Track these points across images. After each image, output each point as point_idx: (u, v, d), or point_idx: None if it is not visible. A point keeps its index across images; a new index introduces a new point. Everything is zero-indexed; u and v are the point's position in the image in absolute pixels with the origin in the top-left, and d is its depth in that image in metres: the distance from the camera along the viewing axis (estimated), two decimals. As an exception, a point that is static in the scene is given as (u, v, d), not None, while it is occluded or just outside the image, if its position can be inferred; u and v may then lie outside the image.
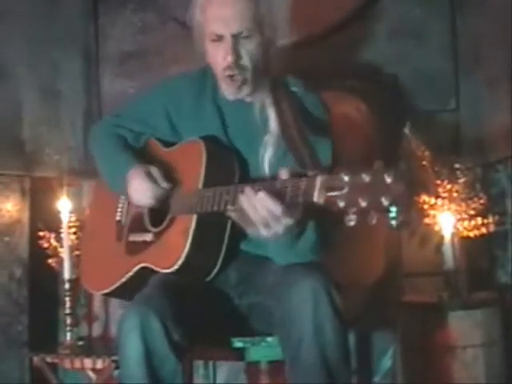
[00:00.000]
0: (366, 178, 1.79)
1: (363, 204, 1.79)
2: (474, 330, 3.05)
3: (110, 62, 3.79)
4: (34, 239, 3.44)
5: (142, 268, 2.40)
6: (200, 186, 2.32)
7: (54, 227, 3.39)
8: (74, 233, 3.36)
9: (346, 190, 1.82)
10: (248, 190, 2.06)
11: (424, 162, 3.21)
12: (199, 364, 3.24)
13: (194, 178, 2.35)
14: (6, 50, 3.47)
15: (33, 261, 3.48)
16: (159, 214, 2.44)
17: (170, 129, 2.55)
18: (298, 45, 3.41)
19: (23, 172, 3.48)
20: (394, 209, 1.77)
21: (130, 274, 2.44)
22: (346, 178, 1.82)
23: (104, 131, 2.67)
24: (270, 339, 2.36)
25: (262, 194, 2.01)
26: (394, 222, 1.78)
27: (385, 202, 1.76)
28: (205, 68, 2.49)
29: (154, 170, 2.45)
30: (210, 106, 2.47)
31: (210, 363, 3.35)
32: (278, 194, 2.00)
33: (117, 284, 2.49)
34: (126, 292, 2.50)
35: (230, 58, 2.29)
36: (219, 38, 2.31)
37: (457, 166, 3.21)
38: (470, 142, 3.45)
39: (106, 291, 2.57)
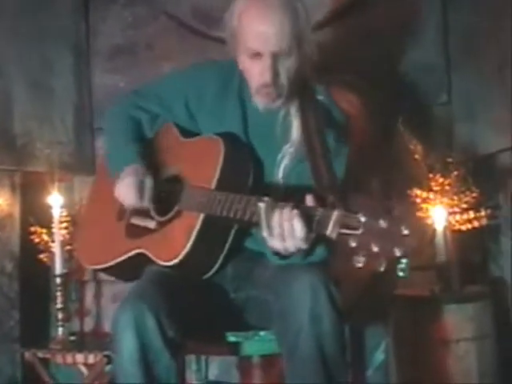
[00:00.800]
0: (383, 224, 1.80)
1: (375, 249, 1.79)
2: (466, 323, 3.06)
3: (100, 56, 3.79)
4: (25, 234, 3.44)
5: (139, 254, 2.39)
6: (213, 185, 2.29)
7: (46, 222, 3.39)
8: (66, 228, 3.36)
9: (360, 232, 1.82)
10: (285, 204, 2.03)
11: (416, 156, 3.22)
12: (191, 359, 3.23)
13: (208, 175, 2.32)
14: (-4, 46, 3.46)
15: (24, 256, 3.48)
16: (166, 203, 2.41)
17: (187, 116, 2.50)
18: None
19: (14, 167, 3.47)
20: (404, 260, 1.79)
21: (127, 256, 2.42)
22: (363, 219, 1.82)
23: (120, 110, 2.59)
24: (262, 333, 2.36)
25: (295, 211, 1.99)
26: (402, 273, 1.81)
27: (397, 252, 1.78)
28: (234, 63, 2.41)
29: (148, 183, 2.40)
30: (233, 103, 2.43)
31: (203, 358, 3.35)
32: (307, 218, 1.98)
33: (111, 263, 2.47)
34: (117, 272, 2.52)
35: (267, 78, 2.25)
36: (257, 55, 2.26)
37: (449, 159, 3.21)
38: (462, 136, 3.46)
39: (98, 267, 2.55)
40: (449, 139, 3.48)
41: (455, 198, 3.17)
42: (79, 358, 3.22)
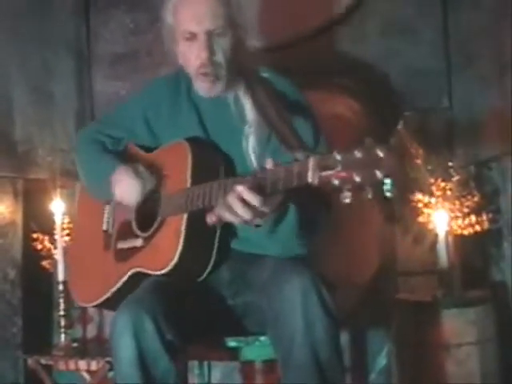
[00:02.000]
0: (359, 153, 1.81)
1: (357, 179, 1.80)
2: (467, 327, 3.05)
3: (101, 63, 3.80)
4: (27, 241, 3.44)
5: (134, 273, 2.39)
6: (188, 185, 2.32)
7: (48, 229, 3.39)
8: (68, 234, 3.35)
9: (339, 168, 1.83)
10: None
11: (417, 161, 3.21)
12: (194, 364, 3.23)
13: (180, 178, 2.34)
14: (-2, 51, 3.47)
15: (26, 262, 3.48)
16: (146, 219, 2.43)
17: (148, 134, 2.57)
18: (288, 44, 3.43)
19: (16, 173, 3.48)
20: (388, 181, 1.80)
21: (122, 280, 2.42)
22: (339, 157, 1.83)
23: (84, 139, 2.69)
24: (263, 338, 2.35)
25: (239, 188, 2.01)
26: (389, 194, 1.81)
27: (379, 174, 1.78)
28: (177, 70, 2.52)
29: (141, 167, 2.44)
30: (186, 106, 2.49)
31: (205, 363, 3.34)
32: (257, 186, 2.01)
33: (108, 294, 2.46)
34: (117, 302, 2.44)
35: (203, 55, 2.32)
36: (192, 37, 2.33)
37: (450, 164, 3.22)
38: (463, 140, 3.46)
39: (96, 302, 2.54)
40: (450, 143, 3.48)
41: (457, 202, 3.17)
42: (82, 364, 3.21)
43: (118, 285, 2.43)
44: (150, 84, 2.64)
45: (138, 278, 2.37)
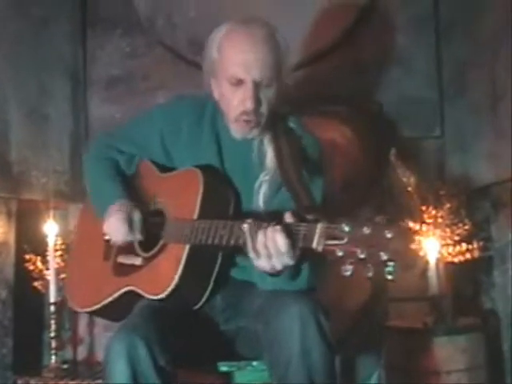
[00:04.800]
0: (367, 230, 1.82)
1: (361, 256, 1.82)
2: (458, 355, 3.06)
3: (97, 85, 3.82)
4: (19, 261, 3.43)
5: (129, 291, 2.40)
6: (195, 215, 2.31)
7: (40, 250, 3.40)
8: (60, 256, 3.36)
9: (345, 241, 1.85)
10: (268, 224, 2.06)
11: (409, 188, 3.24)
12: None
13: (189, 207, 2.34)
14: (-6, 73, 3.49)
15: (18, 283, 3.47)
16: (150, 238, 2.44)
17: (163, 153, 2.53)
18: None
19: (10, 194, 3.47)
20: (391, 264, 1.81)
21: (116, 295, 2.43)
22: (347, 229, 1.85)
23: (96, 153, 2.64)
24: (255, 363, 2.37)
25: (277, 228, 2.01)
26: (390, 276, 1.82)
27: (383, 256, 1.80)
28: (205, 97, 2.47)
29: (136, 216, 2.44)
30: (208, 136, 2.46)
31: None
32: (290, 233, 2.00)
33: (102, 303, 2.48)
34: (109, 312, 2.51)
35: (250, 105, 2.27)
36: (239, 83, 2.29)
37: (441, 192, 3.23)
38: (454, 169, 3.48)
39: (89, 309, 2.55)
40: (441, 172, 3.51)
41: (448, 230, 3.19)
42: (72, 386, 3.22)
43: (112, 298, 2.44)
44: (173, 103, 2.58)
45: (131, 296, 2.38)
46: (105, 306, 2.47)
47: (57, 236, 3.39)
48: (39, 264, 3.40)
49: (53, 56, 3.70)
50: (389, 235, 1.79)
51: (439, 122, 3.55)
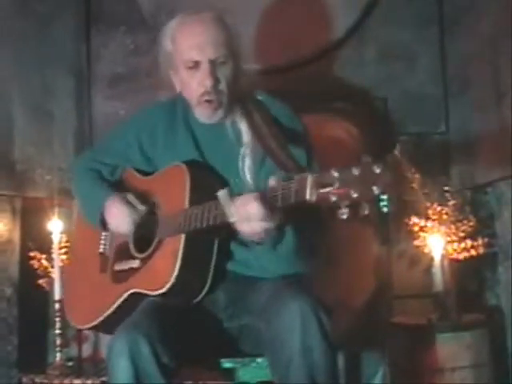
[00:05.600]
0: (356, 171, 1.84)
1: (355, 195, 1.83)
2: (462, 351, 3.06)
3: (101, 83, 3.81)
4: (24, 259, 3.44)
5: (131, 295, 2.40)
6: (186, 205, 2.34)
7: (45, 248, 3.39)
8: (65, 253, 3.36)
9: (337, 185, 1.86)
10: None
11: (414, 185, 3.23)
12: (188, 385, 3.23)
13: (178, 200, 2.36)
14: (-2, 71, 3.49)
15: (23, 281, 3.48)
16: (144, 240, 2.45)
17: (144, 160, 2.59)
18: (286, 68, 3.45)
19: (14, 192, 3.48)
20: (384, 196, 1.83)
21: (119, 301, 2.43)
22: (336, 174, 1.86)
23: (80, 168, 2.72)
24: (259, 360, 2.36)
25: (252, 196, 2.07)
26: (385, 209, 1.85)
27: (376, 190, 1.81)
28: (173, 97, 2.56)
29: (130, 196, 2.50)
30: (182, 132, 2.51)
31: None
32: (265, 199, 2.05)
33: (105, 315, 2.47)
34: (112, 324, 2.43)
35: (208, 83, 2.35)
36: (195, 65, 2.36)
37: (446, 188, 3.23)
38: (459, 165, 3.48)
39: (91, 325, 2.54)
40: (446, 168, 3.50)
41: (452, 226, 3.19)
42: (77, 383, 3.22)
43: (115, 306, 2.44)
44: (145, 110, 2.66)
45: (135, 299, 2.38)
46: (108, 317, 2.46)
47: (61, 233, 3.39)
48: (44, 262, 3.40)
49: (57, 53, 3.69)
50: (377, 170, 1.81)
51: (444, 118, 3.54)
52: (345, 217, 1.86)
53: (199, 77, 2.36)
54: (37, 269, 3.41)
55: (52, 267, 3.35)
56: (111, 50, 3.82)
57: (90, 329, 2.65)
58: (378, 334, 3.24)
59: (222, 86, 2.37)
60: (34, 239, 3.45)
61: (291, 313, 2.10)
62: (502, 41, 3.18)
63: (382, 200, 1.84)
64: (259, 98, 2.48)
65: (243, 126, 2.42)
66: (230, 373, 2.41)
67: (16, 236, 3.49)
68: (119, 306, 2.43)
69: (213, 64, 2.35)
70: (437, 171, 3.45)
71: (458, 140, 3.50)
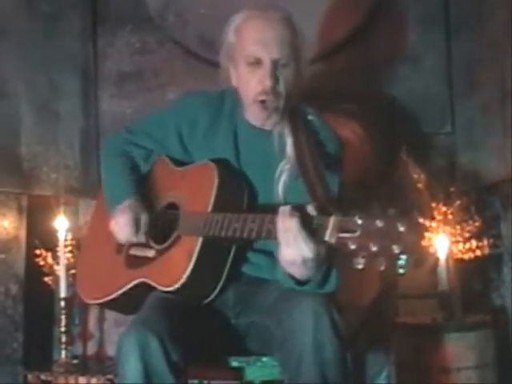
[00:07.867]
0: (380, 223, 1.82)
1: (374, 249, 1.82)
2: (467, 352, 3.06)
3: (108, 81, 3.81)
4: (30, 257, 3.45)
5: (141, 283, 2.41)
6: (209, 209, 2.33)
7: (51, 245, 3.41)
8: (71, 251, 3.37)
9: (358, 234, 1.85)
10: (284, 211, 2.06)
11: (419, 185, 3.24)
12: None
13: (203, 200, 2.35)
14: (5, 69, 3.49)
15: (29, 278, 3.49)
16: (163, 231, 2.45)
17: (180, 148, 2.55)
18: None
19: (21, 190, 3.49)
20: (404, 257, 1.81)
21: (128, 286, 2.44)
22: (360, 222, 1.85)
23: (114, 148, 2.67)
24: (265, 359, 2.37)
25: (295, 219, 2.01)
26: (402, 270, 1.82)
27: (396, 249, 1.79)
28: (223, 91, 2.51)
29: (143, 219, 2.47)
30: (224, 128, 2.47)
31: (205, 383, 3.34)
32: (305, 223, 2.00)
33: (113, 295, 2.49)
34: (120, 305, 2.53)
35: (268, 83, 2.29)
36: (257, 62, 2.31)
37: (452, 189, 3.23)
38: (464, 166, 3.48)
39: (100, 301, 2.57)
40: (452, 168, 3.50)
41: (458, 227, 3.18)
42: (82, 381, 3.22)
43: (124, 289, 2.46)
44: (191, 97, 2.59)
45: (143, 287, 2.39)
46: (116, 298, 2.49)
47: (67, 231, 3.40)
48: (50, 259, 3.41)
49: (63, 52, 3.70)
50: (401, 228, 1.79)
51: (450, 118, 3.54)
52: (360, 267, 1.85)
53: (259, 75, 2.31)
54: (42, 266, 3.42)
55: (57, 265, 3.37)
56: (118, 49, 3.82)
57: (98, 305, 2.73)
58: (382, 334, 3.24)
59: (281, 89, 2.31)
60: (39, 237, 3.47)
61: (303, 311, 2.10)
62: (508, 42, 3.19)
63: (400, 259, 1.81)
64: (310, 118, 2.43)
65: (289, 141, 2.37)
66: (237, 371, 2.42)
67: (22, 233, 3.51)
68: (128, 290, 2.45)
69: (275, 64, 2.30)
70: (442, 171, 3.45)
71: (464, 140, 3.50)
